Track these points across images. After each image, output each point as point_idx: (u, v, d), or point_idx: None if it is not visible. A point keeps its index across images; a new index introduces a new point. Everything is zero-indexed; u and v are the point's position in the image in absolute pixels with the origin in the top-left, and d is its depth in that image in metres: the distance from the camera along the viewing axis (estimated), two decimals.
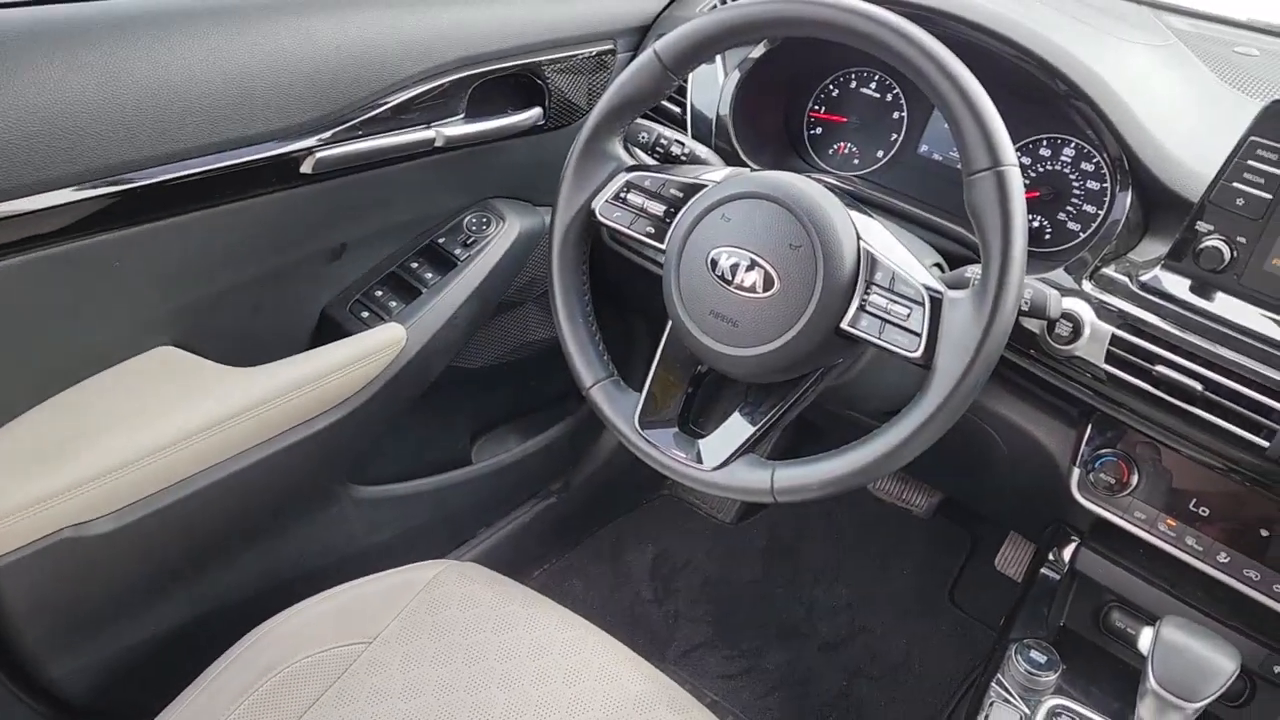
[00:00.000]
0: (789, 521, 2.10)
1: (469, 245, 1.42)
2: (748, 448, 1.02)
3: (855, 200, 1.04)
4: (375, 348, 1.29)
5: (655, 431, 1.07)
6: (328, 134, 1.19)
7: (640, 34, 1.50)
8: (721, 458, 1.02)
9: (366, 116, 1.22)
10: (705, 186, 1.05)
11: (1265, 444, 0.96)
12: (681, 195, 1.06)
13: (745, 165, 1.30)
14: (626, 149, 1.13)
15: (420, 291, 1.38)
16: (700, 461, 1.03)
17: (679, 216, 1.05)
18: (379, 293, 1.39)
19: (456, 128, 1.32)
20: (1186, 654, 0.97)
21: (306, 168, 1.19)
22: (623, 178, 1.09)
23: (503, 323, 1.58)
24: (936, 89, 0.91)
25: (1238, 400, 0.98)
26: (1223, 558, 1.08)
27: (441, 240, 1.43)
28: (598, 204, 1.10)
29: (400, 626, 1.09)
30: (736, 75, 1.34)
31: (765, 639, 1.87)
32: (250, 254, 1.23)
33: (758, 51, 1.34)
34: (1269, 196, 0.96)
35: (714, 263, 1.00)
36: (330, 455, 1.33)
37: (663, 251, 1.05)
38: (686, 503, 2.14)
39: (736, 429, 1.04)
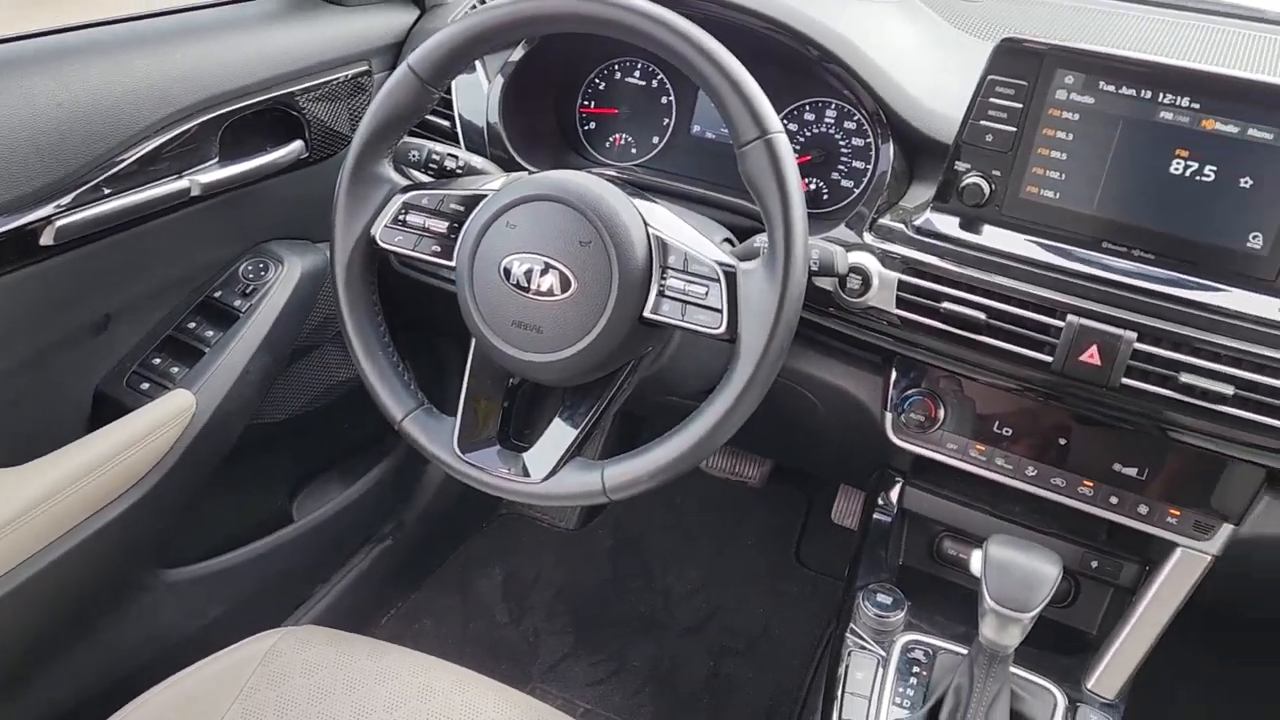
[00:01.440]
0: (632, 516, 2.10)
1: (249, 295, 1.34)
2: (573, 452, 1.01)
3: (638, 189, 1.04)
4: (163, 419, 1.20)
5: (478, 453, 1.04)
6: (66, 199, 1.09)
7: (395, 51, 1.46)
8: (548, 467, 1.00)
9: (108, 174, 1.13)
10: (485, 196, 1.03)
11: (1049, 359, 1.03)
12: (463, 209, 1.03)
13: (523, 169, 1.28)
14: (398, 170, 1.09)
15: (203, 352, 1.29)
16: (527, 475, 1.01)
17: (463, 231, 1.02)
18: (157, 360, 1.29)
19: (212, 173, 1.24)
20: (1014, 568, 1.02)
21: (47, 239, 1.08)
22: (399, 200, 1.05)
23: (301, 369, 1.50)
24: (695, 69, 0.92)
25: (1019, 323, 1.04)
26: (1030, 471, 1.15)
27: (218, 294, 1.34)
28: (377, 230, 1.05)
29: (243, 708, 1.01)
30: (500, 80, 1.32)
31: (627, 637, 1.87)
32: None
33: (518, 54, 1.32)
34: (1013, 129, 1.02)
35: (507, 272, 0.97)
36: (131, 543, 1.23)
37: (453, 269, 1.02)
38: (527, 518, 2.10)
39: (559, 436, 1.02)
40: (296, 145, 1.34)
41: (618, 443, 1.99)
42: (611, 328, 0.95)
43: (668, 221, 0.99)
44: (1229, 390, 0.97)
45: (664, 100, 1.35)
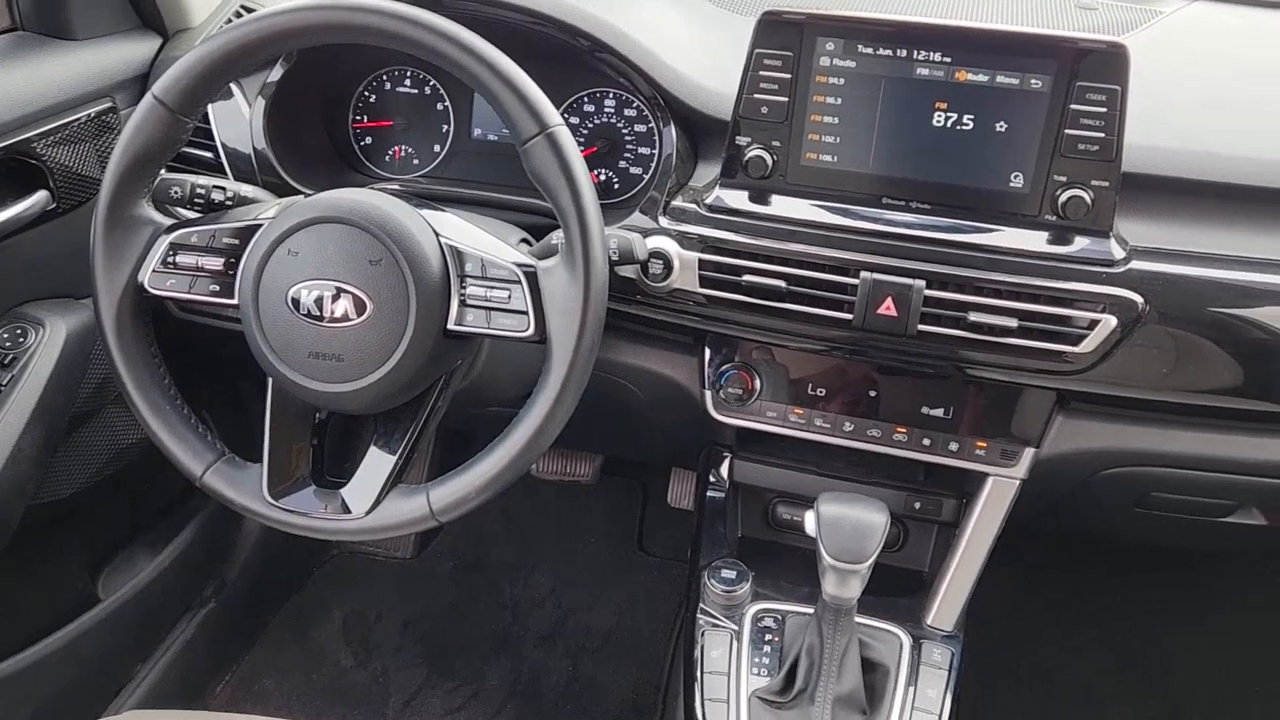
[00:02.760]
0: (469, 534, 2.05)
1: (8, 365, 1.21)
2: (394, 480, 0.97)
3: (424, 200, 1.01)
4: None
5: (292, 497, 0.98)
6: None
7: (140, 84, 1.35)
8: (370, 500, 0.95)
9: None
10: (261, 226, 0.96)
11: (850, 316, 1.06)
12: (237, 242, 0.97)
13: (299, 193, 1.21)
14: (160, 209, 1.01)
15: None
16: (349, 511, 0.96)
17: (242, 265, 0.95)
18: None
19: None
20: (845, 522, 1.05)
21: None
22: (164, 241, 0.97)
23: (84, 437, 1.38)
24: (465, 71, 0.89)
25: (817, 285, 1.07)
26: (847, 427, 1.19)
27: None
28: (145, 277, 0.97)
29: None
30: (262, 103, 1.25)
31: (481, 657, 1.82)
32: None
33: (276, 73, 1.25)
34: (786, 100, 1.05)
35: (296, 302, 0.92)
36: None
37: (236, 307, 0.96)
38: (360, 554, 2.02)
39: (377, 465, 0.97)
40: (40, 196, 1.22)
41: (443, 462, 1.94)
42: (415, 346, 0.91)
43: (460, 229, 0.96)
44: (1013, 323, 1.02)
45: (440, 107, 1.31)
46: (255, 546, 1.76)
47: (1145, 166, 1.04)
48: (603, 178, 1.26)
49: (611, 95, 1.25)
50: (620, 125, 1.25)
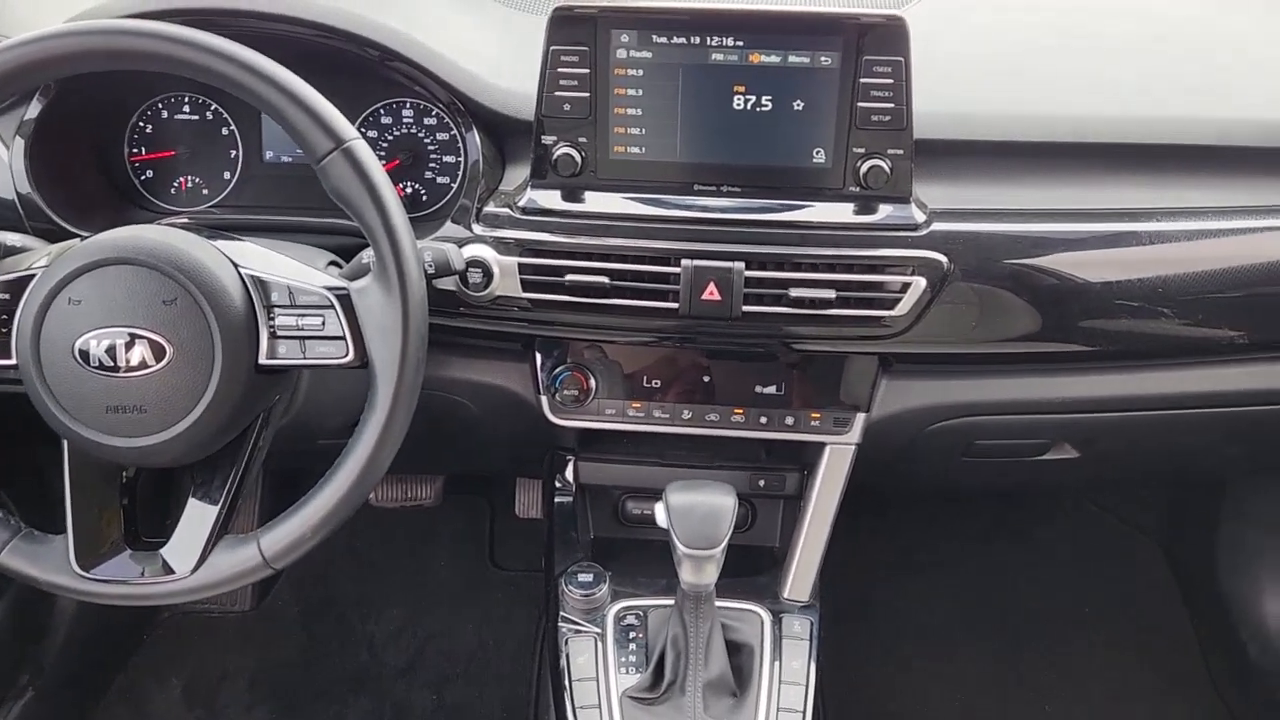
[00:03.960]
0: (313, 574, 1.95)
1: None
2: (220, 531, 0.90)
3: (219, 231, 0.95)
4: None
5: (105, 565, 0.91)
6: None
7: None
8: (194, 557, 0.89)
9: None
10: (35, 276, 0.88)
11: (676, 305, 1.06)
12: (8, 296, 0.88)
13: (76, 237, 1.11)
14: None
15: None
16: (172, 572, 0.89)
17: (16, 321, 0.87)
18: None
19: None
20: (695, 509, 1.06)
21: None
22: None
23: None
24: (247, 90, 0.85)
25: (640, 278, 1.07)
26: (686, 415, 1.19)
27: None
28: None
29: None
30: (21, 143, 1.14)
31: (340, 700, 1.75)
32: None
33: (34, 109, 1.14)
34: (587, 95, 1.04)
35: (85, 354, 0.85)
36: None
37: (15, 367, 0.87)
38: (195, 613, 1.89)
39: (198, 519, 0.91)
40: None
41: (272, 504, 1.83)
42: (226, 386, 0.86)
43: (261, 257, 0.91)
44: (832, 294, 1.05)
45: (225, 132, 1.24)
46: (72, 624, 1.62)
47: (936, 132, 1.08)
48: (409, 190, 1.21)
49: (409, 105, 1.21)
50: (422, 135, 1.21)
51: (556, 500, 1.33)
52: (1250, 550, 1.72)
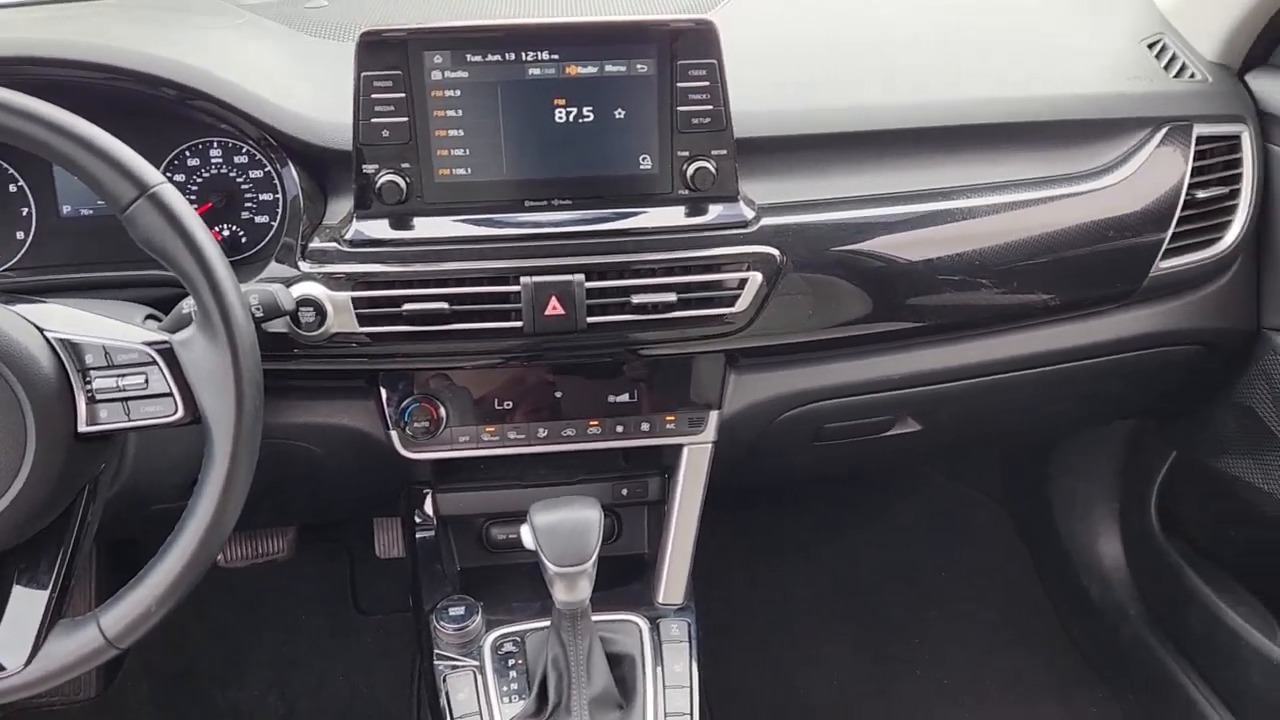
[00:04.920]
0: (164, 647, 1.83)
1: None
2: (53, 617, 0.84)
3: (17, 295, 0.88)
4: None
5: None
6: None
7: None
8: (26, 649, 0.82)
9: None
10: None
11: (520, 324, 1.05)
12: None
13: None
14: None
15: None
16: (2, 669, 0.82)
17: None
18: None
19: None
20: (560, 526, 1.05)
21: None
22: None
23: None
24: (34, 140, 0.79)
25: (480, 300, 1.05)
26: (542, 433, 1.18)
27: None
28: None
29: None
30: None
31: None
32: None
33: None
34: (405, 119, 1.02)
35: None
36: None
37: None
38: (32, 709, 1.75)
39: (25, 606, 0.84)
40: None
41: (110, 580, 1.72)
42: (43, 461, 0.80)
43: (69, 319, 0.85)
44: (673, 297, 1.07)
45: (13, 188, 1.14)
46: None
47: (756, 130, 1.11)
48: (226, 233, 1.15)
49: (216, 144, 1.15)
50: (233, 175, 1.16)
51: (418, 536, 1.30)
52: (1080, 500, 1.84)
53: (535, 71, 1.03)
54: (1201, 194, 1.25)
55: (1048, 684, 1.78)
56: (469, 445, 1.18)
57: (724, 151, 1.06)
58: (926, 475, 2.17)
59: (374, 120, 1.02)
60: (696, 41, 1.03)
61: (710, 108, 1.04)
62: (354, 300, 1.04)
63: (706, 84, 1.04)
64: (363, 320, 1.05)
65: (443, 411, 1.15)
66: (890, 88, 1.22)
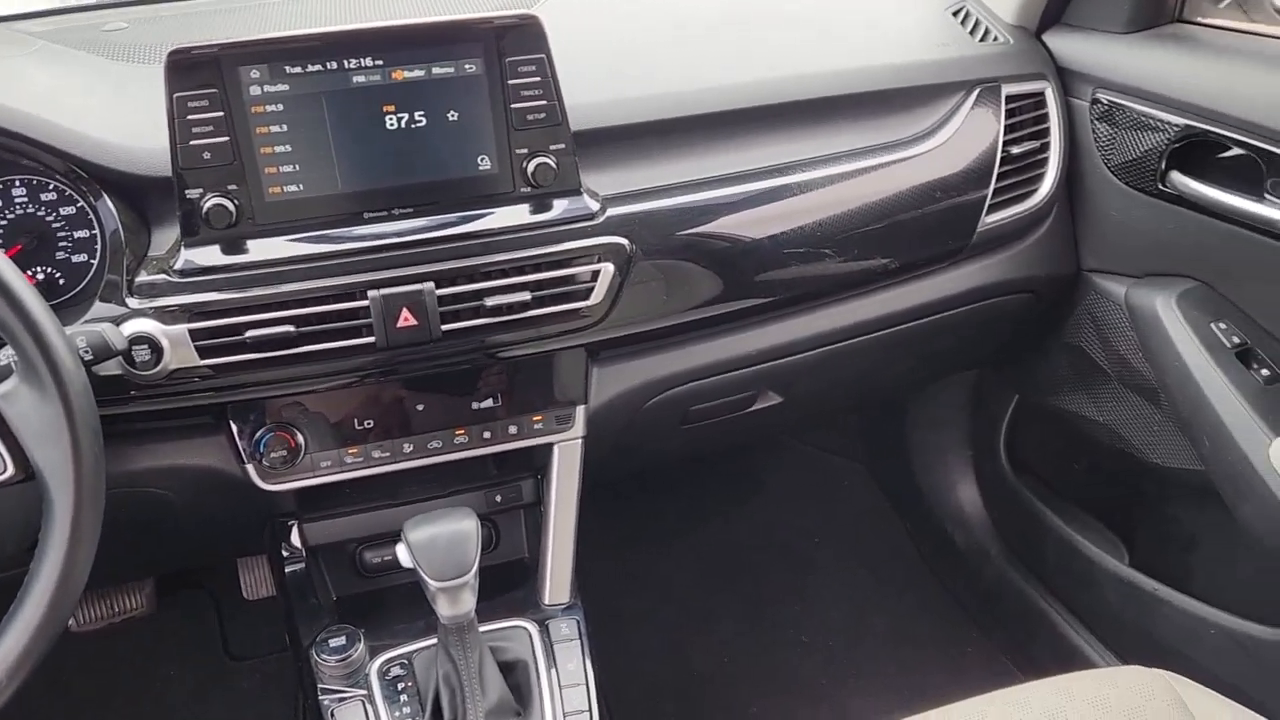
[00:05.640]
0: None
1: None
2: None
3: None
4: None
5: None
6: None
7: None
8: None
9: None
10: None
11: (372, 339, 1.02)
12: None
13: None
14: None
15: None
16: None
17: None
18: None
19: None
20: (436, 540, 1.03)
21: None
22: None
23: None
24: None
25: (328, 319, 1.02)
26: (408, 448, 1.15)
27: None
28: None
29: None
30: None
31: None
32: None
33: None
34: (227, 139, 0.97)
35: None
36: None
37: None
38: None
39: None
40: None
41: None
42: None
43: None
44: (527, 296, 1.06)
45: None
46: None
47: (594, 121, 1.11)
48: (41, 276, 1.07)
49: (19, 182, 1.06)
50: (42, 213, 1.07)
51: (287, 570, 1.24)
52: (935, 452, 1.93)
53: (360, 79, 0.99)
54: (1016, 149, 1.33)
55: (927, 633, 1.86)
56: (332, 470, 1.14)
57: (562, 146, 1.05)
58: (790, 445, 2.23)
59: (193, 143, 0.96)
60: (523, 37, 1.02)
61: (544, 103, 1.03)
62: (191, 333, 0.99)
63: (537, 79, 1.03)
64: (203, 352, 1.00)
65: (300, 438, 1.11)
66: (719, 70, 1.24)
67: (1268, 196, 1.16)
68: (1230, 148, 1.20)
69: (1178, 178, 1.25)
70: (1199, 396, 1.23)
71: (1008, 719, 0.95)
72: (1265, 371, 1.21)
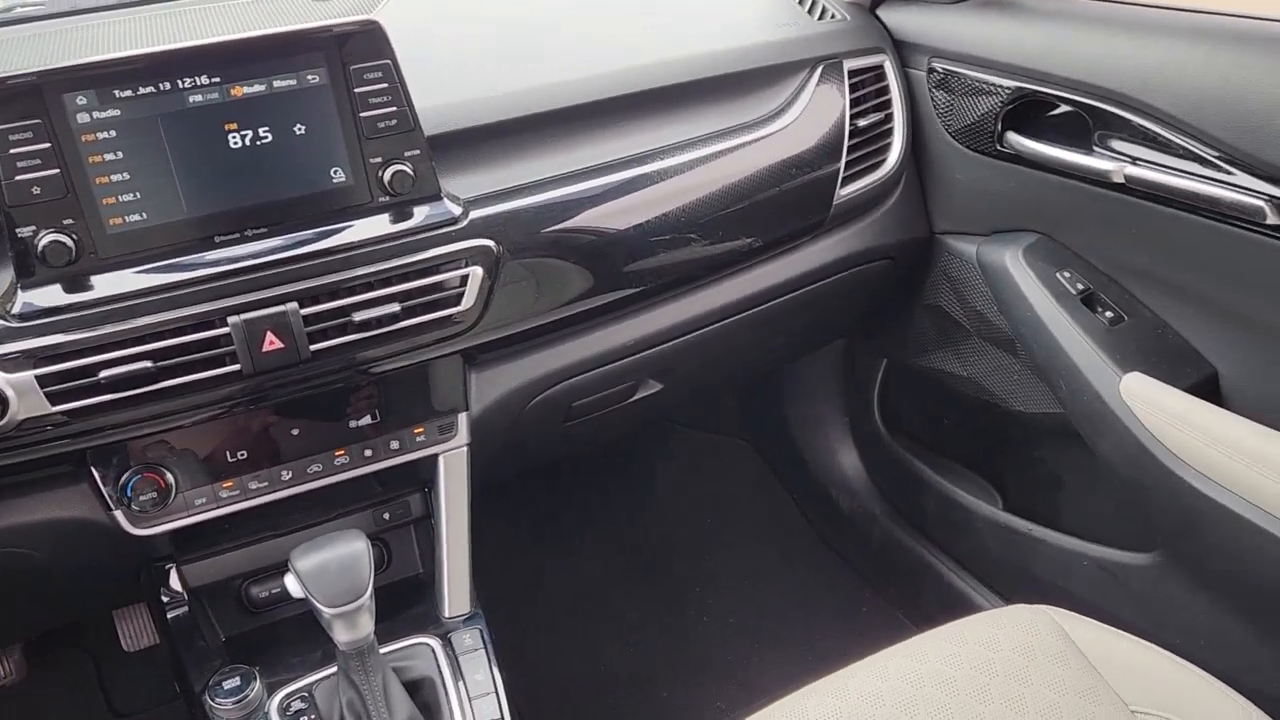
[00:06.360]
0: None
1: None
2: None
3: None
4: None
5: None
6: None
7: None
8: None
9: None
10: None
11: (238, 366, 0.98)
12: None
13: None
14: None
15: None
16: None
17: None
18: None
19: None
20: (327, 566, 1.00)
21: None
22: None
23: None
24: None
25: (188, 350, 0.97)
26: (286, 475, 1.11)
27: None
28: None
29: None
30: None
31: None
32: None
33: None
34: (56, 171, 0.92)
35: None
36: None
37: None
38: None
39: None
40: None
41: None
42: None
43: None
44: (397, 307, 1.03)
45: None
46: None
47: (449, 124, 1.10)
48: None
49: None
50: None
51: (169, 616, 1.19)
52: (814, 421, 1.98)
53: (197, 98, 0.95)
54: (862, 122, 1.37)
55: (824, 598, 1.91)
56: (208, 506, 1.09)
57: (418, 151, 1.03)
58: (674, 430, 2.25)
59: (19, 178, 0.91)
60: (365, 43, 0.99)
61: (394, 109, 1.01)
62: (39, 379, 0.93)
63: (384, 85, 1.00)
64: (54, 399, 0.94)
65: (170, 477, 1.06)
66: (570, 64, 1.24)
67: (1096, 149, 1.23)
68: (1059, 105, 1.26)
69: (1014, 137, 1.32)
70: (1052, 343, 1.30)
71: (908, 671, 0.98)
72: (1109, 314, 1.28)
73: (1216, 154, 1.08)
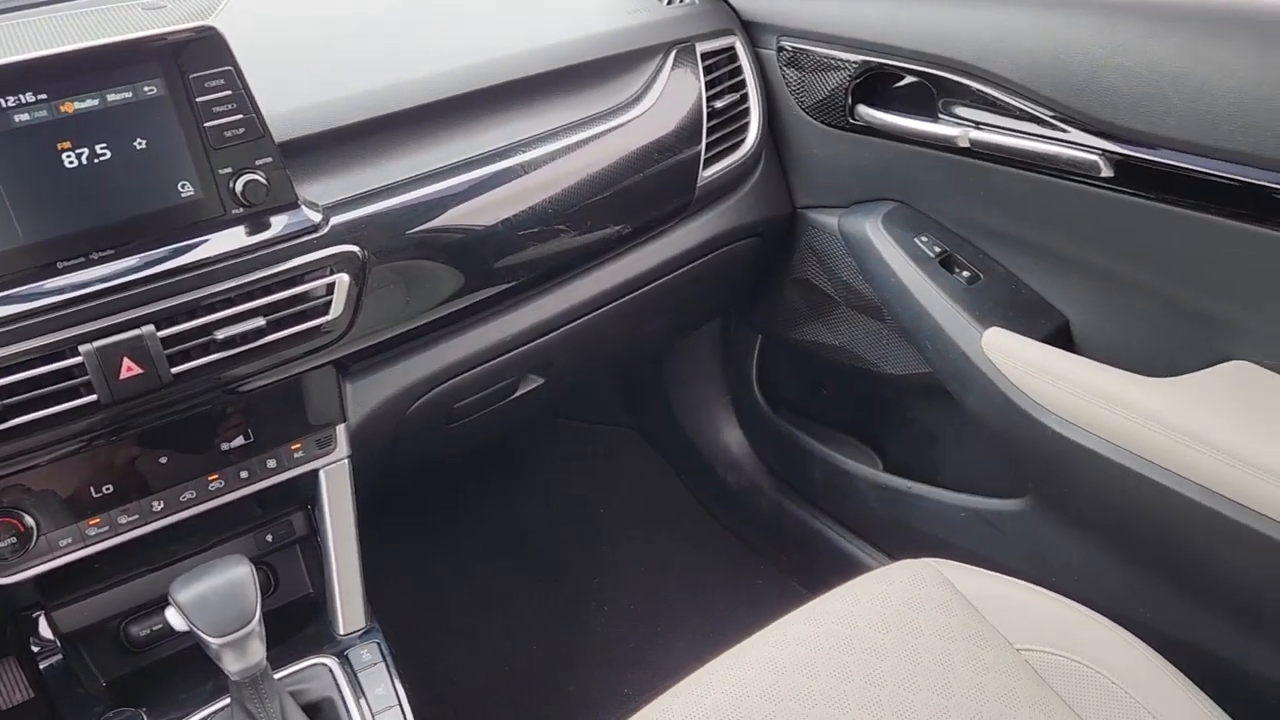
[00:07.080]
0: None
1: None
2: None
3: None
4: None
5: None
6: None
7: None
8: None
9: None
10: None
11: (95, 396, 0.93)
12: None
13: None
14: None
15: None
16: None
17: None
18: None
19: None
20: (210, 595, 0.96)
21: None
22: None
23: None
24: None
25: (37, 384, 0.91)
26: (158, 506, 1.06)
27: None
28: None
29: None
30: None
31: None
32: None
33: None
34: None
35: None
36: None
37: None
38: None
39: None
40: None
41: None
42: None
43: None
44: (261, 321, 1.00)
45: None
46: None
47: (302, 129, 1.06)
48: None
49: None
50: None
51: (42, 667, 1.12)
52: (697, 402, 2.01)
53: (24, 117, 0.89)
54: (719, 104, 1.39)
55: (720, 575, 1.94)
56: (74, 547, 1.03)
57: (270, 159, 0.99)
58: (559, 424, 2.25)
59: None
60: (203, 51, 0.95)
61: (240, 117, 0.97)
62: None
63: (228, 93, 0.96)
64: None
65: (30, 520, 1.00)
66: (422, 62, 1.21)
67: (941, 116, 1.28)
68: (904, 77, 1.31)
69: (864, 110, 1.36)
70: (915, 306, 1.35)
71: (806, 636, 1.01)
72: (966, 274, 1.34)
73: (1052, 114, 1.14)
